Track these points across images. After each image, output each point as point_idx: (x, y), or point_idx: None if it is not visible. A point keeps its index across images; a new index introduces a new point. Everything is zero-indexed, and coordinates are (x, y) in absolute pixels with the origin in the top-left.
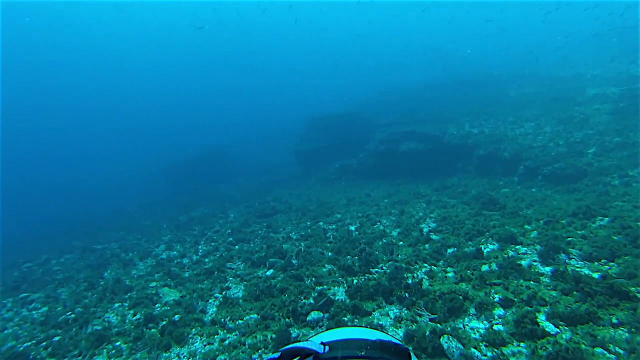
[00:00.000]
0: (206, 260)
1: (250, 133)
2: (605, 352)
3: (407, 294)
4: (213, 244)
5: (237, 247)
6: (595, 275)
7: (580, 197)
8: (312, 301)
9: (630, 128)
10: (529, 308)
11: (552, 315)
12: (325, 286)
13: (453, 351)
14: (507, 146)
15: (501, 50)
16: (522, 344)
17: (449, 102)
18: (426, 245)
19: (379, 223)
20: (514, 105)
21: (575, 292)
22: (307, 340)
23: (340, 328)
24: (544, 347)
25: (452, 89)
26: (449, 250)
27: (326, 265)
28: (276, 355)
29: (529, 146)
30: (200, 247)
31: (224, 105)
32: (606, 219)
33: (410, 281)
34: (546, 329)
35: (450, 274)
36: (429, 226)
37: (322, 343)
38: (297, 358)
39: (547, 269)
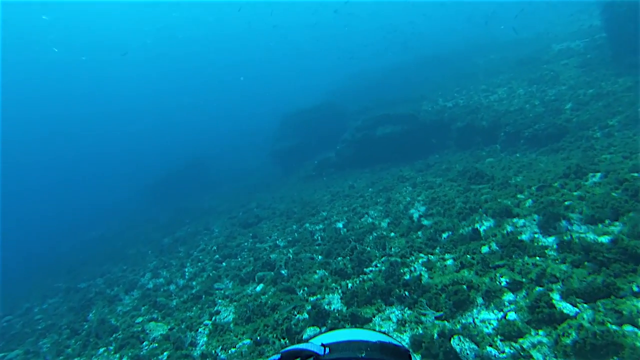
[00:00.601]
0: (193, 283)
1: (224, 139)
2: (637, 329)
3: (406, 292)
4: (199, 264)
5: (224, 264)
6: (604, 239)
7: (566, 155)
8: (306, 316)
9: (601, 78)
10: (541, 288)
11: (567, 293)
12: (319, 296)
13: (467, 353)
14: (484, 115)
15: (460, 23)
16: (540, 332)
17: (418, 80)
18: (419, 233)
19: (366, 215)
20: (483, 73)
21: (587, 263)
22: (307, 341)
23: (340, 329)
24: (566, 334)
25: (419, 68)
26: (444, 235)
27: (317, 271)
28: (277, 357)
29: (505, 111)
30: (186, 269)
31: (194, 114)
32: (598, 174)
33: (408, 277)
34: (564, 311)
35: (449, 262)
36: (418, 211)
37: (322, 345)
38: (298, 359)
39: (550, 239)
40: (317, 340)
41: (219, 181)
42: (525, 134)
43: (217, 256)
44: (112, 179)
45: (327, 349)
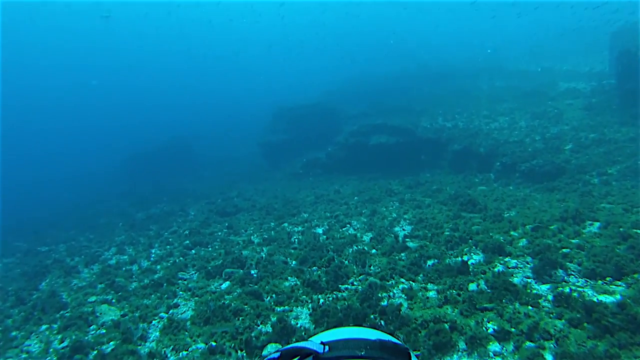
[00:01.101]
0: (157, 267)
1: (215, 123)
2: None
3: (382, 322)
4: (168, 247)
5: (193, 251)
6: (606, 299)
7: (562, 197)
8: (270, 329)
9: (604, 124)
10: (531, 344)
11: (562, 356)
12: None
13: None
14: (483, 141)
15: (471, 46)
16: None
17: (419, 93)
18: (402, 255)
19: (348, 225)
20: (487, 98)
21: (586, 324)
22: (306, 340)
23: (340, 328)
24: None
25: (421, 80)
26: (429, 262)
27: (289, 278)
28: (276, 355)
29: (505, 141)
30: (153, 250)
31: (187, 95)
32: (597, 223)
33: (385, 303)
34: None
35: (432, 293)
36: (403, 229)
37: (321, 343)
38: (297, 358)
39: (545, 287)
40: (317, 339)
41: (203, 164)
42: (521, 168)
43: (188, 242)
44: (96, 149)
45: (327, 347)
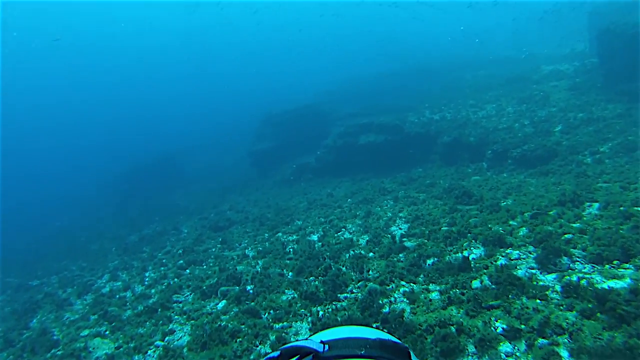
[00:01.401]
0: (152, 291)
1: (203, 136)
2: None
3: (385, 330)
4: (162, 269)
5: (187, 271)
6: (616, 284)
7: (557, 180)
8: (269, 349)
9: (591, 103)
10: (544, 340)
11: (578, 351)
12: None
13: None
14: (472, 131)
15: (452, 37)
16: None
17: (405, 90)
18: (400, 256)
19: (344, 229)
20: (472, 88)
21: (600, 315)
22: (306, 339)
23: (339, 327)
24: None
25: (407, 78)
26: (429, 262)
27: (286, 291)
28: (276, 354)
29: (494, 129)
30: (147, 274)
31: (174, 106)
32: (596, 204)
33: (387, 309)
34: None
35: (434, 294)
36: (400, 228)
37: (321, 342)
38: (297, 357)
39: (550, 277)
40: (316, 337)
41: (193, 178)
42: (513, 154)
43: (182, 261)
44: (83, 169)
45: (327, 346)
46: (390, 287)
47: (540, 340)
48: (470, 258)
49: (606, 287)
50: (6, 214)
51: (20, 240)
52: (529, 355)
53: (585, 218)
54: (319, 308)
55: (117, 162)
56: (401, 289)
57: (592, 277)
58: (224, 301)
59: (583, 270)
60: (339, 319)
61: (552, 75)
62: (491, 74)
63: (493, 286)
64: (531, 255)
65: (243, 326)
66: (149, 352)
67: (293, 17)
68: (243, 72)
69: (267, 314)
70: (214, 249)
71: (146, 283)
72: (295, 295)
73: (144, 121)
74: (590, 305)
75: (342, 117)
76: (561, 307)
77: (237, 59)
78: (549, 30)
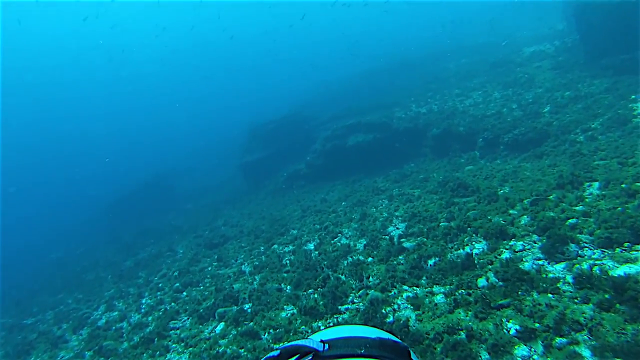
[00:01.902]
0: (149, 319)
1: (192, 156)
2: None
3: None
4: (158, 294)
5: (184, 294)
6: (631, 269)
7: (552, 162)
8: None
9: (576, 80)
10: (562, 339)
11: (601, 349)
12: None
13: None
14: (461, 120)
15: (429, 29)
16: None
17: (389, 86)
18: (400, 258)
19: (340, 235)
20: (455, 77)
21: (619, 306)
22: (306, 338)
23: (340, 326)
24: None
25: (389, 74)
26: (430, 262)
27: (285, 307)
28: (275, 353)
29: (482, 116)
30: (144, 300)
31: (156, 125)
32: (595, 184)
33: (391, 318)
34: None
35: (439, 297)
36: (397, 228)
37: (321, 341)
38: (297, 356)
39: (559, 267)
40: (316, 337)
41: (186, 197)
42: (504, 139)
43: (178, 284)
44: (76, 200)
45: (327, 345)
46: (393, 293)
47: (558, 339)
48: (473, 254)
49: (622, 274)
50: (6, 256)
51: (16, 277)
52: (548, 358)
53: (587, 200)
54: (319, 323)
55: (109, 190)
56: (404, 294)
57: (603, 263)
58: (222, 324)
59: (593, 257)
60: None
61: (534, 56)
62: (474, 61)
63: (500, 283)
64: (536, 245)
65: (242, 350)
66: None
67: (263, 30)
68: (220, 90)
69: (266, 333)
70: (209, 268)
71: (143, 310)
72: (295, 311)
73: (130, 148)
74: (607, 296)
75: (327, 120)
76: (576, 300)
77: (214, 77)
78: (525, 10)
